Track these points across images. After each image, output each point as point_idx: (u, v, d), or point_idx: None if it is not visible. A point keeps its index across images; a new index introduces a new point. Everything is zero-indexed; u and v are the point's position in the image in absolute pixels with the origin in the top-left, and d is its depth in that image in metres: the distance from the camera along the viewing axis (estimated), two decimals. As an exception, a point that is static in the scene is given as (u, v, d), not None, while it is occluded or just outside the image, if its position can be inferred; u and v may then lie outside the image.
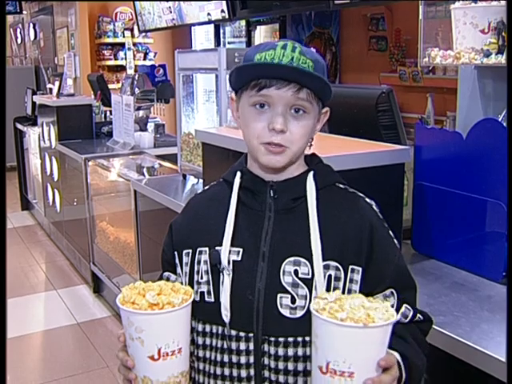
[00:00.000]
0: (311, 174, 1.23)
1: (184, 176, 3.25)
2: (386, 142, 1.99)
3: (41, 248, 5.68)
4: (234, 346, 1.19)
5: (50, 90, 5.90)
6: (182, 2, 4.63)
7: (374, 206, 1.27)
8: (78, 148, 4.65)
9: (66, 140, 4.97)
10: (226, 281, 1.19)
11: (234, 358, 1.19)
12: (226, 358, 1.20)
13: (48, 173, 5.56)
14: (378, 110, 2.11)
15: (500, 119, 1.97)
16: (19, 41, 10.27)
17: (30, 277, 4.92)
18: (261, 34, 6.44)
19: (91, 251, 4.49)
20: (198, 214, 1.31)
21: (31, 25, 9.07)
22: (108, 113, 5.40)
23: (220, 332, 1.20)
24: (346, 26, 6.10)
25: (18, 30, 10.25)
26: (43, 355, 3.68)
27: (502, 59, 1.91)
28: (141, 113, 4.62)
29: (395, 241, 1.25)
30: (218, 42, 6.85)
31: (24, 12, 8.60)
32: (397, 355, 1.07)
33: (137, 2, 5.40)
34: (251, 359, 1.18)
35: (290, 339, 1.16)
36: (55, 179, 5.30)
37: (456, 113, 2.56)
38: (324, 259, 1.16)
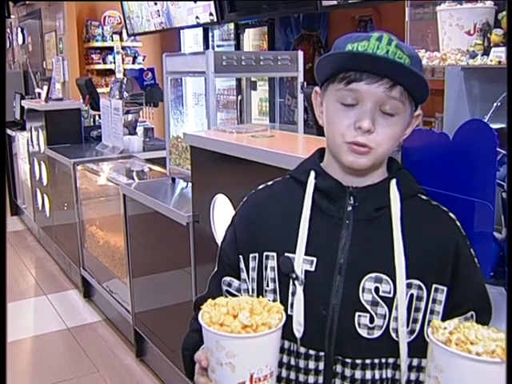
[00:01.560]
0: (394, 181, 1.14)
1: (173, 179, 3.25)
2: (374, 144, 1.99)
3: (30, 253, 5.65)
4: (301, 364, 1.10)
5: (39, 94, 5.88)
6: (170, 6, 4.63)
7: (457, 222, 1.18)
8: (66, 152, 4.62)
9: (55, 144, 4.94)
10: (299, 292, 1.09)
11: (302, 377, 1.11)
12: (292, 376, 1.12)
13: (37, 178, 5.53)
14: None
15: (486, 120, 1.98)
16: (7, 45, 10.22)
17: (20, 282, 4.89)
18: (249, 37, 6.45)
19: (81, 256, 4.47)
20: (262, 212, 1.20)
21: (19, 29, 9.03)
22: (97, 117, 5.38)
23: (287, 347, 1.11)
24: (335, 28, 6.13)
25: (6, 35, 10.20)
26: (33, 361, 3.66)
27: (488, 60, 1.92)
28: (130, 117, 4.61)
29: (476, 259, 1.17)
30: (206, 46, 6.85)
31: (12, 16, 8.56)
32: None
33: (125, 6, 5.40)
34: (320, 379, 1.10)
35: (368, 361, 1.08)
36: (44, 184, 5.28)
37: (443, 114, 2.57)
38: (407, 277, 1.07)
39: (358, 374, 1.08)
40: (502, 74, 1.79)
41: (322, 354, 1.09)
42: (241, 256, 1.19)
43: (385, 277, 1.07)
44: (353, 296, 1.08)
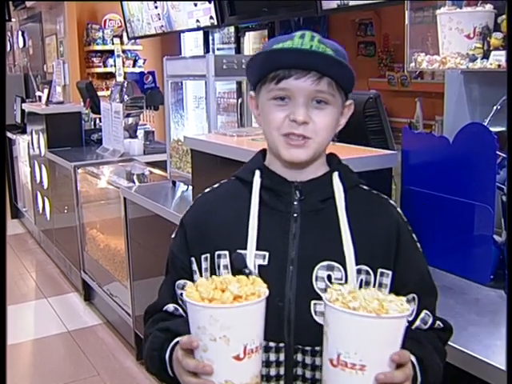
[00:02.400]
0: (336, 174, 1.18)
1: (174, 183, 3.25)
2: (374, 147, 2.00)
3: (31, 256, 5.65)
4: (262, 357, 1.09)
5: (39, 97, 5.88)
6: (170, 9, 4.64)
7: (399, 209, 1.23)
8: (67, 156, 4.63)
9: (56, 148, 4.95)
10: None
11: (263, 371, 1.10)
12: None
13: (38, 181, 5.54)
14: (365, 116, 2.12)
15: (486, 123, 1.99)
16: (8, 48, 10.24)
17: (21, 285, 4.89)
18: (250, 41, 6.46)
19: (81, 259, 4.47)
20: (211, 213, 1.22)
21: (20, 32, 9.04)
22: (97, 120, 5.39)
23: None
24: (335, 32, 6.13)
25: (7, 38, 10.21)
26: (34, 363, 3.66)
27: (488, 64, 1.92)
28: (130, 120, 4.62)
29: (418, 244, 1.22)
30: (207, 49, 6.86)
31: (13, 19, 8.58)
32: (412, 357, 1.02)
33: (126, 9, 5.41)
34: (281, 371, 1.12)
35: None
36: (45, 187, 5.28)
37: (443, 117, 2.57)
38: (356, 263, 1.11)
39: (318, 360, 1.10)
40: (501, 77, 1.80)
41: (282, 345, 1.11)
42: (193, 258, 1.20)
43: (336, 264, 1.11)
44: (307, 285, 1.11)
